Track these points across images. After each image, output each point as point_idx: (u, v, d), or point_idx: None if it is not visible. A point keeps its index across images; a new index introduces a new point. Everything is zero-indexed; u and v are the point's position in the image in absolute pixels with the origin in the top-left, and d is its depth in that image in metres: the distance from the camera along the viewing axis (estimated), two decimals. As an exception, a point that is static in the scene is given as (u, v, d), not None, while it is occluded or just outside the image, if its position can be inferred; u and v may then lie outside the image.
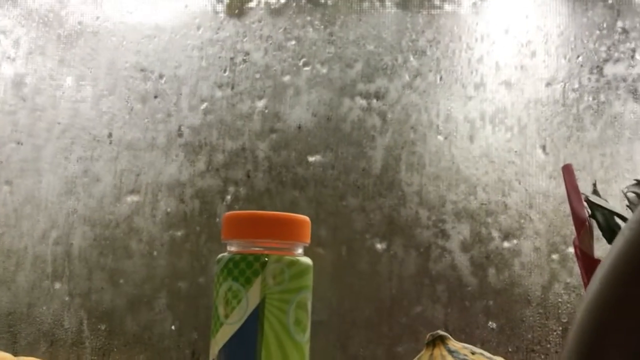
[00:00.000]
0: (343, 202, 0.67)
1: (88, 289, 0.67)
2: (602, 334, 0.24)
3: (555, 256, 0.63)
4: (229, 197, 0.69)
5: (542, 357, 0.60)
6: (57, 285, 0.67)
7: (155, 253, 0.68)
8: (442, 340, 0.47)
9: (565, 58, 0.68)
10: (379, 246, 0.66)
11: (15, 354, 0.64)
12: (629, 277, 0.22)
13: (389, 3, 0.71)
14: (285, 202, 0.67)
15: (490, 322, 0.63)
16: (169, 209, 0.69)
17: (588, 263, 0.47)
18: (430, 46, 0.69)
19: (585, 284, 0.48)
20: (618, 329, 0.23)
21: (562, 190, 0.64)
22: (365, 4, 0.71)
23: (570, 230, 0.63)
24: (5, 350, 0.64)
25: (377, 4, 0.71)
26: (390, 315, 0.64)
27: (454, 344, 0.47)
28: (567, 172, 0.52)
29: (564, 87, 0.67)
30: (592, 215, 0.50)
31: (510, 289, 0.64)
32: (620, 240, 0.24)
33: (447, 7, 0.70)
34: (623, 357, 0.22)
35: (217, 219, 0.69)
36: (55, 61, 0.72)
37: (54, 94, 0.71)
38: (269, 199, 0.68)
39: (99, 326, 0.66)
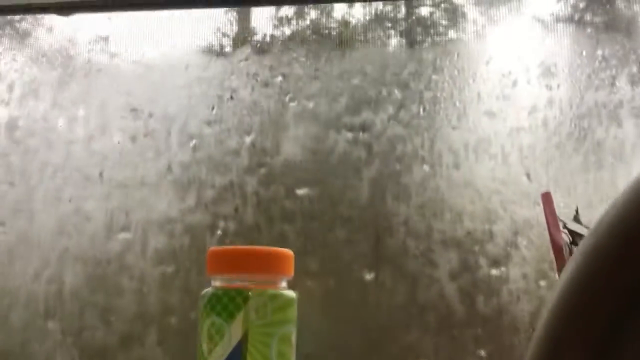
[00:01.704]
0: (331, 233, 0.68)
1: (80, 327, 0.67)
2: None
3: (543, 282, 0.63)
4: (218, 231, 0.70)
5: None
6: (50, 324, 0.68)
7: (145, 289, 0.68)
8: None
9: (546, 87, 0.69)
10: (367, 277, 0.66)
11: (8, 394, 0.65)
12: (566, 314, 0.23)
13: (373, 39, 0.72)
14: (274, 235, 0.68)
15: (479, 350, 0.63)
16: (159, 245, 0.69)
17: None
18: (413, 79, 0.70)
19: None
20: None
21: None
22: (350, 41, 0.73)
23: (555, 256, 0.64)
24: (-1, 391, 0.65)
25: (361, 40, 0.73)
26: (379, 346, 0.64)
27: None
28: (546, 200, 0.52)
29: (545, 115, 0.68)
30: (573, 242, 0.50)
31: (498, 317, 0.64)
32: (563, 274, 0.25)
33: (429, 39, 0.72)
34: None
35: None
36: (48, 103, 0.74)
37: (47, 135, 0.73)
38: (257, 233, 0.69)
39: (91, 364, 0.67)
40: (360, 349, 0.65)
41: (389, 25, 0.74)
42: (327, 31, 0.74)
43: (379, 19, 0.74)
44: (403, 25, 0.74)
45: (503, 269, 0.65)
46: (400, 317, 0.65)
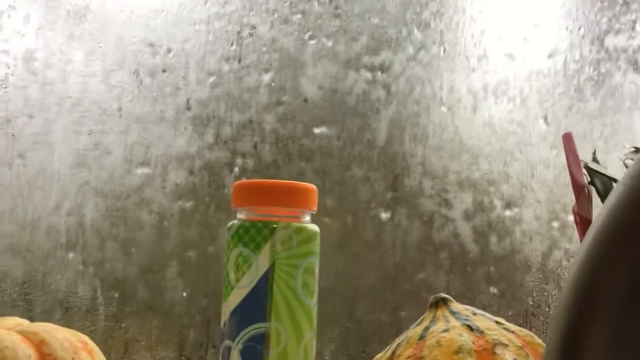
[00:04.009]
0: (348, 172, 0.69)
1: (101, 258, 0.69)
2: (592, 288, 0.25)
3: (555, 224, 0.65)
4: (236, 168, 0.71)
5: (542, 320, 0.62)
6: (71, 255, 0.69)
7: (165, 223, 0.70)
8: (444, 302, 0.49)
9: (567, 30, 0.69)
10: (383, 215, 0.67)
11: (31, 321, 0.67)
12: (619, 233, 0.24)
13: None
14: (292, 173, 0.69)
15: (491, 288, 0.65)
16: (178, 181, 0.70)
17: (586, 228, 0.49)
18: (434, 19, 0.70)
19: (584, 249, 0.49)
20: (608, 283, 0.24)
21: (563, 159, 0.65)
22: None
23: (570, 198, 0.65)
24: (21, 317, 0.67)
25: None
26: (394, 282, 0.66)
27: (456, 306, 0.49)
28: (567, 140, 0.53)
29: (566, 58, 0.68)
30: (592, 182, 0.51)
31: (511, 256, 0.65)
32: (613, 196, 0.25)
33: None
34: (613, 308, 0.24)
35: (226, 190, 0.70)
36: (65, 36, 0.73)
37: (64, 68, 0.73)
38: (276, 170, 0.69)
39: (112, 294, 0.68)
40: (375, 285, 0.66)
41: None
42: (347, -31, 0.73)
43: (400, -42, 0.73)
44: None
45: (517, 209, 0.66)
46: (415, 255, 0.67)
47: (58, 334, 0.49)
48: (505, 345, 0.43)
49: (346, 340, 0.65)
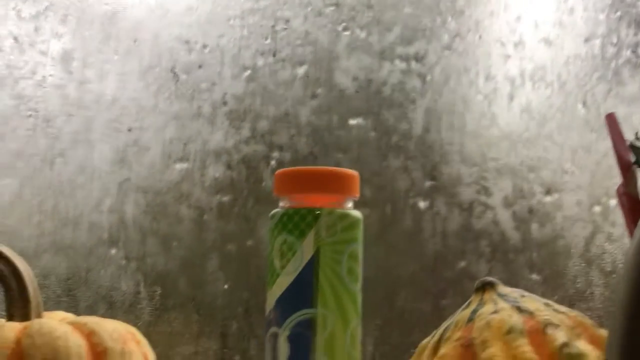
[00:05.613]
0: (385, 162, 0.69)
1: (143, 253, 0.70)
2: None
3: (597, 208, 0.64)
4: (273, 161, 0.71)
5: (586, 305, 0.61)
6: (113, 251, 0.70)
7: (205, 217, 0.70)
8: (491, 285, 0.49)
9: (603, 13, 0.68)
10: (422, 204, 0.67)
11: (76, 316, 0.68)
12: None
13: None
14: (329, 164, 0.69)
15: (533, 274, 0.64)
16: (216, 175, 0.71)
17: (634, 207, 0.48)
18: (469, 6, 0.70)
19: (631, 230, 0.49)
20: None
21: (602, 144, 0.64)
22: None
23: (612, 182, 0.64)
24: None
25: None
26: (434, 271, 0.66)
27: (503, 288, 0.49)
28: (611, 120, 0.53)
29: (603, 42, 0.68)
30: (637, 162, 0.51)
31: (552, 242, 0.65)
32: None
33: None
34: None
35: (263, 183, 0.71)
36: (102, 35, 0.74)
37: (102, 67, 0.74)
38: (312, 162, 0.70)
39: (154, 288, 0.69)
40: (416, 274, 0.66)
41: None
42: (378, -40, 0.74)
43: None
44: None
45: (557, 195, 0.65)
46: (455, 244, 0.66)
47: (107, 325, 0.50)
48: (557, 326, 0.43)
49: (388, 330, 0.65)
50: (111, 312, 0.69)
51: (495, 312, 0.45)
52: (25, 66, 0.74)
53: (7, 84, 0.73)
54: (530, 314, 0.45)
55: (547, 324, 0.43)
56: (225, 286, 0.69)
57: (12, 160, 0.71)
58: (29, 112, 0.73)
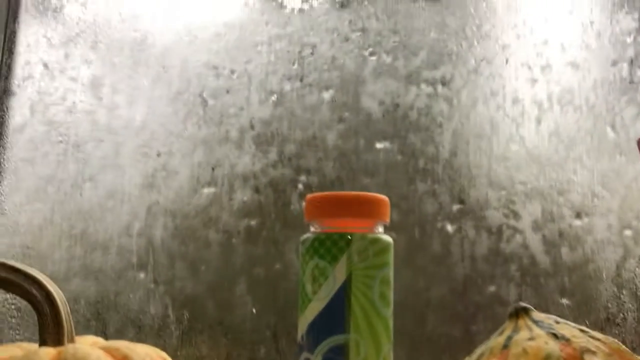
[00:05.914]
0: (412, 186, 0.69)
1: (171, 276, 0.70)
2: None
3: (628, 232, 0.64)
4: (300, 185, 0.71)
5: (618, 331, 0.61)
6: (142, 275, 0.70)
7: (233, 241, 0.70)
8: (525, 311, 0.48)
9: (630, 36, 0.68)
10: (449, 228, 0.67)
11: (105, 340, 0.68)
12: None
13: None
14: (356, 188, 0.69)
15: (564, 299, 0.64)
16: (244, 199, 0.71)
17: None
18: (494, 30, 0.70)
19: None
20: None
21: (632, 167, 0.64)
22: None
23: (643, 206, 0.64)
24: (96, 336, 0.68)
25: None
26: (463, 295, 0.66)
27: (537, 314, 0.48)
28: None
29: (630, 65, 0.68)
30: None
31: (583, 266, 0.64)
32: None
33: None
34: None
35: (291, 207, 0.71)
36: (131, 62, 0.75)
37: (131, 93, 0.75)
38: (339, 186, 0.70)
39: (182, 311, 0.69)
40: (445, 298, 0.66)
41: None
42: (404, -15, 0.74)
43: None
44: (481, -22, 0.74)
45: (587, 219, 0.65)
46: (484, 268, 0.66)
47: (139, 350, 0.50)
48: (594, 352, 0.43)
49: (417, 355, 0.65)
50: (140, 335, 0.69)
51: (531, 338, 0.45)
52: (55, 92, 0.75)
53: (38, 110, 0.74)
54: (567, 340, 0.44)
55: (585, 351, 0.43)
56: (253, 310, 0.69)
57: (43, 185, 0.72)
58: (60, 138, 0.74)
